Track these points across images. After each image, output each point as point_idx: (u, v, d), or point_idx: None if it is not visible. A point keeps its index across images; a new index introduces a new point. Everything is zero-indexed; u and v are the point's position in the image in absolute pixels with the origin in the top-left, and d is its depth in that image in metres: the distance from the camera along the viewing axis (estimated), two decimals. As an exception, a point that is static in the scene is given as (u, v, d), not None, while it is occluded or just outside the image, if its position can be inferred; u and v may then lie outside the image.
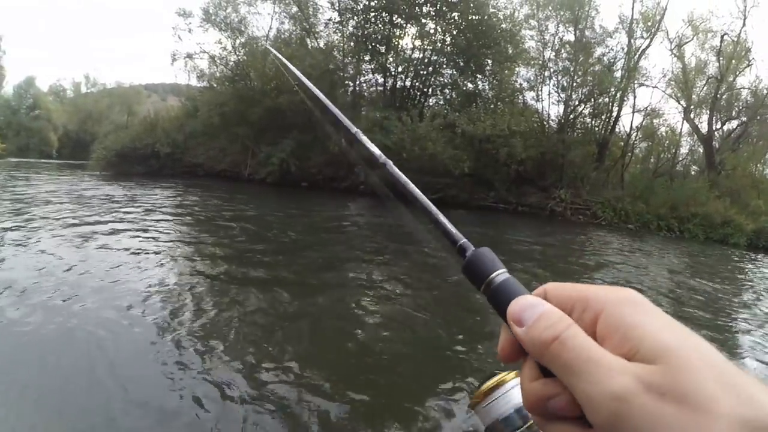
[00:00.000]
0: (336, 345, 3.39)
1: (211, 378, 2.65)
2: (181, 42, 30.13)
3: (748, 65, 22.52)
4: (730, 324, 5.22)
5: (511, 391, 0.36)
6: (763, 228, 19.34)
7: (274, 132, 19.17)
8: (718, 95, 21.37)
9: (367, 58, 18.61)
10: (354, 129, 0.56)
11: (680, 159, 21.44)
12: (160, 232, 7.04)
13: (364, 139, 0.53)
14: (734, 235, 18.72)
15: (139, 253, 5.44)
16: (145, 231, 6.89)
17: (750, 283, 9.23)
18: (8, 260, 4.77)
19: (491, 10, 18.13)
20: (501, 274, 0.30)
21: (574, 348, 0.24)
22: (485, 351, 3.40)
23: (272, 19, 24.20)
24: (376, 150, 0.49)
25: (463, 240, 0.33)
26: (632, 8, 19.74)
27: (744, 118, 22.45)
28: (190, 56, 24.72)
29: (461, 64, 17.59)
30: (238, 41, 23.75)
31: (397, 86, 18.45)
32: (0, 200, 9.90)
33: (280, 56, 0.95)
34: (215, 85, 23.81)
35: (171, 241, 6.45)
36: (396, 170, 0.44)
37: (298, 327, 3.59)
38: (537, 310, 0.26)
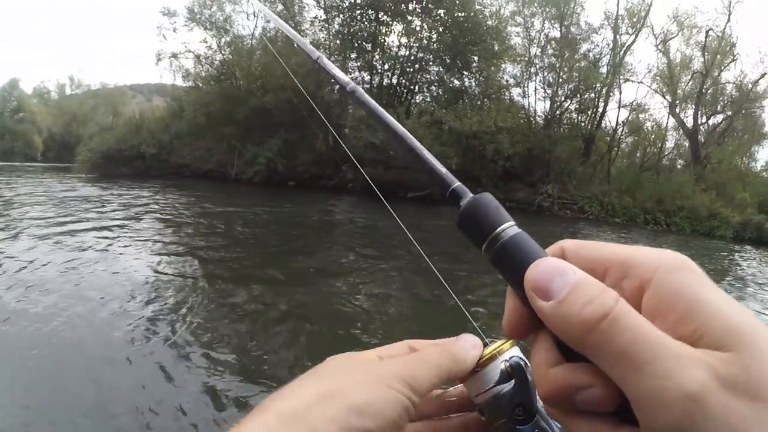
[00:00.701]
0: (326, 343, 3.36)
1: (196, 377, 2.61)
2: (165, 41, 29.65)
3: (733, 60, 22.78)
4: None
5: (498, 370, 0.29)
6: (749, 220, 19.59)
7: (260, 131, 18.98)
8: (703, 90, 21.58)
9: (353, 55, 18.51)
10: (316, 54, 0.52)
11: (666, 153, 21.68)
12: (142, 233, 6.95)
13: (328, 63, 0.49)
14: (720, 228, 18.93)
15: (120, 254, 5.34)
16: (126, 232, 6.80)
17: (739, 275, 9.35)
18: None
19: (477, 7, 18.12)
20: (510, 228, 0.23)
21: (628, 330, 0.18)
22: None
23: (257, 17, 24.03)
24: (341, 75, 0.44)
25: (457, 183, 0.27)
26: (617, 4, 19.86)
27: (729, 113, 22.71)
28: (175, 56, 24.44)
29: (447, 61, 17.55)
30: (223, 40, 23.52)
31: (384, 84, 18.41)
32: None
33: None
34: (201, 85, 23.55)
35: (153, 242, 6.34)
36: (367, 97, 0.38)
37: (288, 328, 3.55)
38: (570, 278, 0.20)
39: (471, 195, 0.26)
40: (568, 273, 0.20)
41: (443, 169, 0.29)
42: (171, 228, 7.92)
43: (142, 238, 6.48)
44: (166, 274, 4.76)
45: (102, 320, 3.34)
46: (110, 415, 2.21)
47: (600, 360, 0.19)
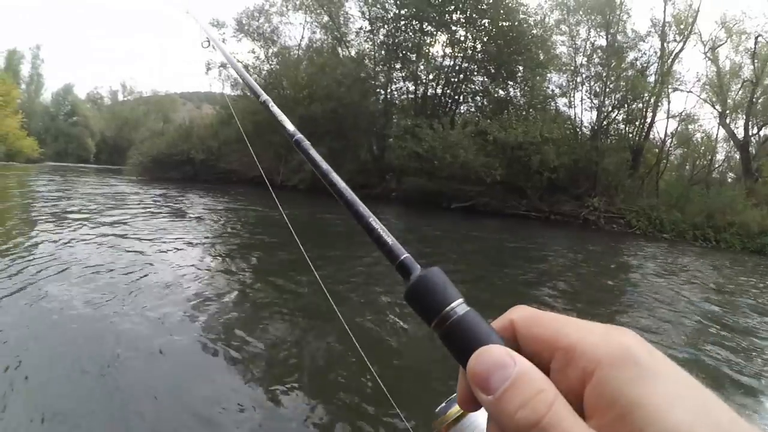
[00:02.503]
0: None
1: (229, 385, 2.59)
2: (215, 52, 31.07)
3: (785, 66, 21.83)
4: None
5: (479, 421, 0.29)
6: None
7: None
8: (754, 99, 20.77)
9: (398, 66, 18.98)
10: (263, 96, 0.49)
11: (716, 166, 20.95)
12: (190, 232, 7.33)
13: (274, 108, 0.47)
14: (772, 244, 18.20)
15: (174, 251, 5.57)
16: (174, 232, 7.13)
17: None
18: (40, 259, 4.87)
19: (521, 16, 18.22)
20: (459, 307, 0.24)
21: None
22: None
23: (304, 28, 25.06)
24: (287, 124, 0.42)
25: (405, 255, 0.27)
26: (664, 11, 19.48)
27: (782, 122, 21.75)
28: (224, 65, 25.76)
29: (492, 70, 17.74)
30: (270, 50, 24.61)
31: (428, 94, 18.75)
32: (37, 200, 10.74)
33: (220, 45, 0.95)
34: (249, 94, 24.54)
35: (200, 241, 6.63)
36: (312, 152, 0.37)
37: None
38: (508, 373, 0.20)
39: (419, 269, 0.26)
40: (507, 367, 0.20)
41: (390, 239, 0.29)
42: (218, 229, 8.34)
43: (190, 238, 6.78)
44: (211, 271, 4.97)
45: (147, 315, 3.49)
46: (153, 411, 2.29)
47: None
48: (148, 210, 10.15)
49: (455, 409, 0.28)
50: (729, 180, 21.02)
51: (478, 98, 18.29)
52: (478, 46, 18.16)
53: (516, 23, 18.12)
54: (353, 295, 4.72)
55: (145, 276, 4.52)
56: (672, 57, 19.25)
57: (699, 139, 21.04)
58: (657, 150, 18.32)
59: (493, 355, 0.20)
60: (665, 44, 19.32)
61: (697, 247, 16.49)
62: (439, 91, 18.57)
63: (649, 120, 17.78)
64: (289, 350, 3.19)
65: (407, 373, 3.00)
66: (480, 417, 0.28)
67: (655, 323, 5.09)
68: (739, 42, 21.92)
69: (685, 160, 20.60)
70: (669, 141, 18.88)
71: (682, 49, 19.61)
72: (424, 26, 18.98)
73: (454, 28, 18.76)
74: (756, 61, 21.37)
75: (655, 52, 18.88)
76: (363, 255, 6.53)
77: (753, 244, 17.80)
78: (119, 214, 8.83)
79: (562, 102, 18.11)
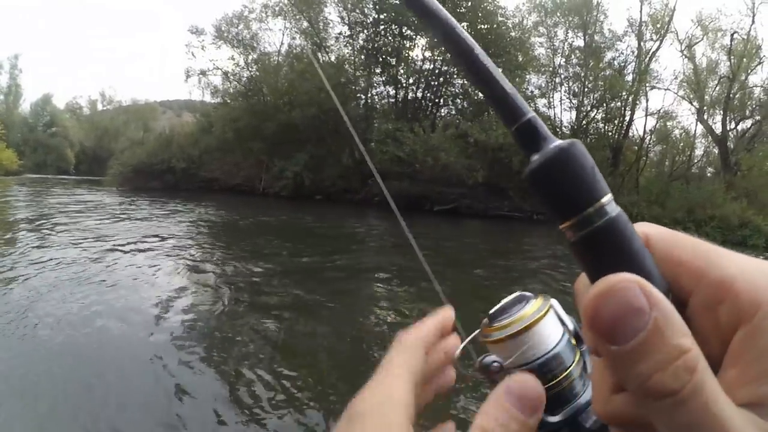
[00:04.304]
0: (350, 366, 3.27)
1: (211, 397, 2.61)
2: (194, 59, 30.80)
3: (760, 63, 22.26)
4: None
5: (547, 330, 0.25)
6: None
7: (287, 146, 19.53)
8: (731, 95, 21.17)
9: (378, 70, 18.91)
10: None
11: (695, 161, 21.27)
12: (170, 242, 7.22)
13: None
14: (752, 237, 18.48)
15: (152, 266, 5.47)
16: (155, 243, 7.04)
17: None
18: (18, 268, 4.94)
19: (500, 18, 18.33)
20: (609, 204, 0.18)
21: (693, 412, 0.14)
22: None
23: (283, 34, 24.82)
24: None
25: (531, 114, 0.19)
26: (640, 11, 19.75)
27: (758, 117, 22.16)
28: (203, 73, 25.42)
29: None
30: (250, 57, 24.35)
31: (409, 97, 18.72)
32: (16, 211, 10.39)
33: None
34: (229, 101, 24.36)
35: (180, 251, 6.53)
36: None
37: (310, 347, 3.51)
38: (642, 320, 0.15)
39: (557, 140, 0.18)
40: (643, 314, 0.15)
41: (509, 87, 0.20)
42: (198, 238, 8.24)
43: (170, 247, 6.72)
44: (190, 284, 4.92)
45: (128, 326, 3.50)
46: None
47: (653, 421, 0.16)
48: (129, 220, 9.94)
49: (526, 313, 0.24)
50: (708, 174, 21.36)
51: (458, 101, 18.32)
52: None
53: (495, 26, 18.20)
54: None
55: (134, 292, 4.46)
56: (649, 56, 19.52)
57: (677, 136, 21.39)
58: (636, 147, 18.54)
59: (625, 291, 0.15)
60: (642, 43, 19.60)
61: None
62: (419, 94, 18.59)
63: (627, 118, 18.03)
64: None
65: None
66: (549, 328, 0.24)
67: None
68: (715, 39, 22.34)
69: (665, 157, 20.90)
70: (648, 138, 19.15)
71: (658, 48, 19.91)
72: (404, 30, 18.96)
73: (433, 31, 18.76)
74: (732, 57, 21.79)
75: (632, 52, 19.14)
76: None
77: (734, 236, 18.06)
78: (97, 225, 8.62)
79: (541, 103, 18.27)
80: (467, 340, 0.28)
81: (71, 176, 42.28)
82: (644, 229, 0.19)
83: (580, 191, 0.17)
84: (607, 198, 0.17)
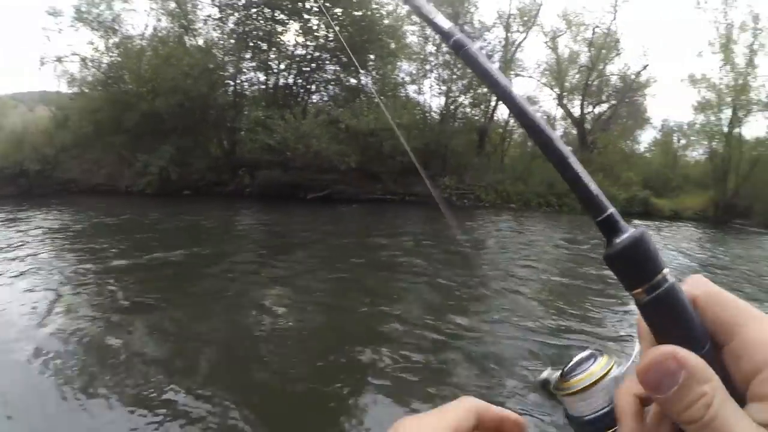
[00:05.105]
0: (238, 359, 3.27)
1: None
2: (50, 43, 26.90)
3: (617, 54, 25.27)
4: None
5: (610, 384, 0.29)
6: (635, 196, 21.93)
7: (151, 138, 17.68)
8: (589, 82, 23.72)
9: (248, 55, 17.85)
10: None
11: None
12: (24, 260, 6.13)
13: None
14: (609, 206, 20.98)
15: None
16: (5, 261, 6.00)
17: None
18: None
19: (374, 6, 18.31)
20: (666, 277, 0.23)
21: (715, 429, 0.22)
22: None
23: (148, 15, 22.44)
24: (442, 20, 0.31)
25: (612, 210, 0.24)
26: (510, 4, 21.20)
27: (613, 102, 25.20)
28: (59, 59, 22.13)
29: (344, 59, 17.56)
30: (111, 41, 21.67)
31: (280, 84, 17.95)
32: None
33: None
34: (87, 91, 21.48)
35: (34, 269, 5.66)
36: (481, 58, 0.28)
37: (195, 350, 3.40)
38: (675, 379, 0.22)
39: (632, 228, 0.24)
40: (675, 374, 0.22)
41: (594, 187, 0.25)
42: (55, 252, 7.14)
43: (23, 267, 5.78)
44: (55, 301, 4.40)
45: None
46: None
47: None
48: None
49: (595, 369, 0.29)
50: (567, 154, 23.77)
51: (330, 87, 18.02)
52: (331, 35, 17.84)
53: (368, 13, 18.13)
54: None
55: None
56: (516, 46, 21.02)
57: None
58: (501, 130, 19.90)
59: (663, 364, 0.23)
60: (509, 34, 21.03)
61: (542, 213, 18.26)
62: (291, 80, 17.91)
63: (493, 103, 19.18)
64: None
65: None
66: (611, 382, 0.29)
67: (501, 274, 6.24)
68: (578, 32, 24.79)
69: (527, 138, 22.80)
70: (512, 121, 20.67)
71: (524, 39, 21.53)
72: (276, 14, 18.10)
73: (306, 16, 18.18)
74: (592, 49, 24.34)
75: (500, 42, 20.41)
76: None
77: (591, 207, 20.31)
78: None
79: (412, 89, 18.68)
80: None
81: None
82: (694, 291, 0.25)
83: (648, 266, 0.23)
84: (667, 270, 0.23)
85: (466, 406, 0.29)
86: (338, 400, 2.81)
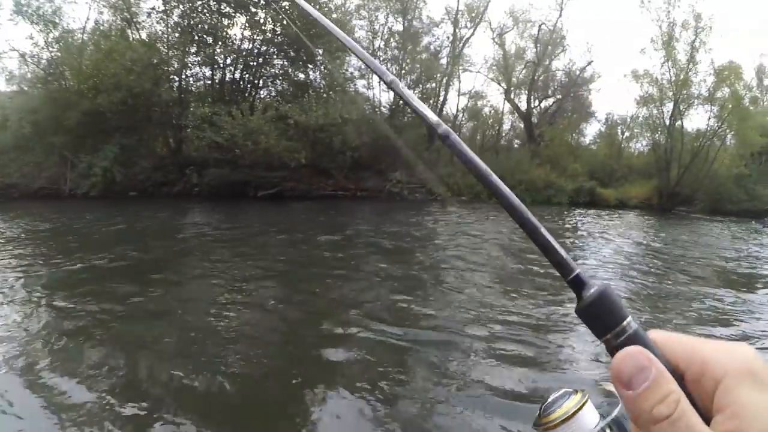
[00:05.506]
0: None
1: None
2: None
3: (563, 50, 26.40)
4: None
5: (587, 417, 0.32)
6: (582, 187, 23.13)
7: (94, 138, 17.13)
8: (536, 77, 24.73)
9: (193, 50, 17.50)
10: (389, 76, 0.39)
11: (504, 135, 24.47)
12: None
13: (405, 91, 0.36)
14: (557, 196, 22.03)
15: None
16: None
17: (579, 231, 12.33)
18: None
19: (322, 0, 18.31)
20: (631, 323, 0.27)
21: (682, 428, 0.23)
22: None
23: (90, 8, 21.46)
24: (430, 114, 0.34)
25: (578, 270, 0.29)
26: (458, 0, 21.69)
27: (559, 96, 26.39)
28: (-6, 53, 20.91)
29: (291, 54, 17.54)
30: (51, 35, 20.59)
31: (226, 79, 17.75)
32: None
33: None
34: (26, 89, 20.41)
35: None
36: (464, 147, 0.32)
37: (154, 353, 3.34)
38: (647, 374, 0.25)
39: (595, 285, 0.28)
40: (647, 370, 0.25)
41: (562, 252, 0.29)
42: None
43: None
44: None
45: None
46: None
47: None
48: None
49: (569, 405, 0.32)
50: (516, 146, 24.81)
51: (278, 82, 17.99)
52: (278, 29, 17.75)
53: (316, 7, 18.08)
54: None
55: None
56: (463, 42, 21.60)
57: (487, 113, 24.29)
58: (450, 124, 20.46)
59: (636, 358, 0.25)
60: (457, 30, 21.59)
61: (493, 204, 19.05)
62: (237, 75, 17.74)
63: (442, 98, 19.84)
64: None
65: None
66: (588, 416, 0.32)
67: (451, 260, 6.55)
68: (525, 29, 25.70)
69: (476, 132, 23.66)
70: (461, 115, 21.38)
71: (472, 35, 22.17)
72: (222, 7, 17.79)
73: (253, 9, 17.96)
74: (538, 45, 25.29)
75: (448, 37, 20.94)
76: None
77: (540, 196, 21.27)
78: None
79: (361, 84, 18.92)
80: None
81: None
82: (653, 335, 0.28)
83: (614, 315, 0.27)
84: (630, 317, 0.27)
85: None
86: (293, 400, 2.80)
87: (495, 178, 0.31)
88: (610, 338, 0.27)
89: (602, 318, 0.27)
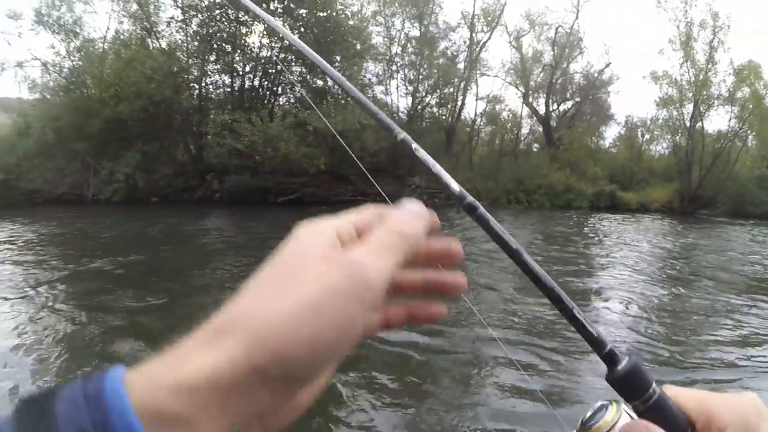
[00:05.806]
0: None
1: None
2: (10, 48, 26.02)
3: (580, 53, 26.06)
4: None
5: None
6: (602, 190, 22.68)
7: (116, 145, 17.37)
8: (554, 80, 24.41)
9: (212, 58, 17.67)
10: (401, 134, 0.36)
11: (522, 139, 24.16)
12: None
13: (430, 162, 0.34)
14: (576, 200, 21.59)
15: None
16: None
17: (599, 236, 12.34)
18: None
19: (339, 6, 18.36)
20: (654, 389, 0.31)
21: None
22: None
23: (110, 18, 21.90)
24: (453, 184, 0.34)
25: (610, 346, 0.32)
26: (474, 4, 21.57)
27: (577, 99, 26.01)
28: (20, 64, 21.45)
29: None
30: (72, 44, 21.07)
31: (246, 86, 17.86)
32: None
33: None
34: (48, 97, 20.88)
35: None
36: (492, 221, 0.32)
37: None
38: None
39: (625, 358, 0.32)
40: None
41: (594, 330, 0.32)
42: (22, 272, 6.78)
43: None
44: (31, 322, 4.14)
45: None
46: None
47: None
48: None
49: (608, 417, 0.34)
50: (534, 149, 24.46)
51: (296, 89, 18.02)
52: (296, 36, 17.84)
53: (333, 13, 18.17)
54: None
55: None
56: (480, 46, 21.43)
57: (506, 117, 24.02)
58: (468, 129, 20.34)
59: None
60: (474, 34, 21.44)
61: (512, 209, 18.75)
62: (256, 83, 17.84)
63: (459, 102, 19.65)
64: None
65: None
66: (620, 425, 0.34)
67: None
68: (541, 32, 25.45)
69: (495, 136, 23.39)
70: (479, 120, 21.16)
71: (489, 39, 21.98)
72: (240, 16, 17.93)
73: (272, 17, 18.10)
74: (556, 48, 24.99)
75: (465, 42, 20.79)
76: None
77: (560, 200, 20.89)
78: None
79: (379, 90, 18.88)
80: None
81: None
82: (669, 391, 0.32)
83: (642, 384, 0.31)
84: (654, 384, 0.31)
85: (374, 211, 0.28)
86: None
87: (527, 257, 0.32)
88: (638, 404, 0.31)
89: (632, 387, 0.31)
